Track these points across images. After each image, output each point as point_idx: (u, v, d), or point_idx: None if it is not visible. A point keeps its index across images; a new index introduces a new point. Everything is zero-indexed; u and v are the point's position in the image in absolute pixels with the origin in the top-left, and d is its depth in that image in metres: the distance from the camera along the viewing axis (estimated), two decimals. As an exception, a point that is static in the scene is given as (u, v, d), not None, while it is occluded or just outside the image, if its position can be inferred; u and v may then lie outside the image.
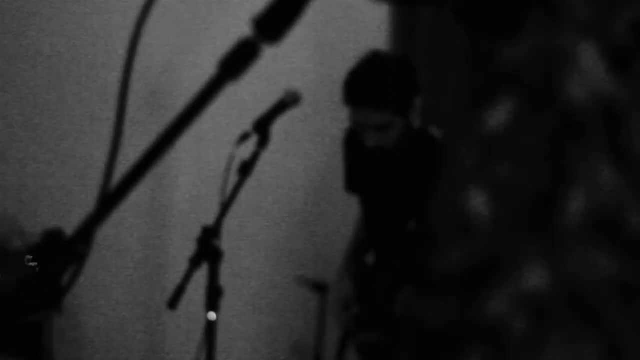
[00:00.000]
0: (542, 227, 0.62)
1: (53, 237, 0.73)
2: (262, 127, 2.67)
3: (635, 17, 0.63)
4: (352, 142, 3.08)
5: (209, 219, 2.52)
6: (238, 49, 0.75)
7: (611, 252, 0.61)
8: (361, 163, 3.06)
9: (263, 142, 2.66)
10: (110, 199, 0.76)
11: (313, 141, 3.70)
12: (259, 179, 3.39)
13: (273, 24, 0.75)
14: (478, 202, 0.63)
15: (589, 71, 0.62)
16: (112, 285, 3.49)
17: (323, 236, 3.28)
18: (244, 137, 2.65)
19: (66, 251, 0.76)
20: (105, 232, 3.37)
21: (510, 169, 0.62)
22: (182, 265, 2.48)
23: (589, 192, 0.62)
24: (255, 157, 2.64)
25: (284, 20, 0.74)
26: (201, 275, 2.51)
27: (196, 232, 2.49)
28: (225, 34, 3.34)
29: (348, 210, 3.25)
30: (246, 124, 2.68)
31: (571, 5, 0.63)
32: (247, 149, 2.64)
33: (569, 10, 0.63)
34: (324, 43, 3.57)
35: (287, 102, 2.73)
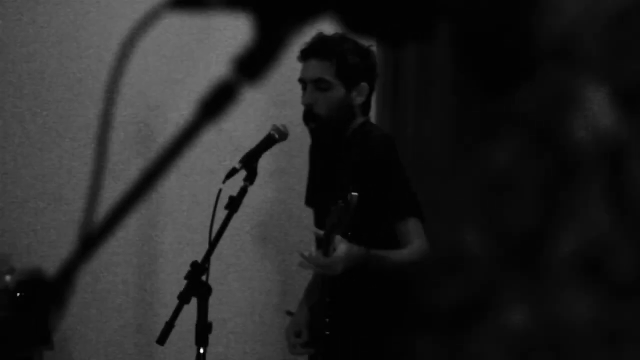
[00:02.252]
0: (530, 266, 0.62)
1: (34, 278, 0.73)
2: (250, 163, 2.68)
3: None
4: (312, 154, 3.04)
5: (199, 255, 2.53)
6: (218, 90, 0.74)
7: (596, 294, 0.61)
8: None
9: (250, 177, 2.67)
10: (92, 238, 0.75)
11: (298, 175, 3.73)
12: (246, 213, 3.41)
13: (253, 64, 0.74)
14: (471, 239, 0.65)
15: (596, 114, 0.62)
16: (102, 320, 3.50)
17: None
18: (232, 173, 2.65)
19: (48, 293, 0.76)
20: (96, 267, 3.39)
21: (505, 206, 0.63)
22: (172, 301, 2.50)
23: (580, 232, 0.61)
24: (242, 192, 2.65)
25: (264, 59, 0.73)
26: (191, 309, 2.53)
27: (185, 268, 2.51)
28: (207, 74, 3.37)
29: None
30: (235, 159, 2.70)
31: (586, 50, 0.64)
32: (235, 184, 2.66)
33: (583, 54, 0.64)
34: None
35: (274, 138, 2.75)
